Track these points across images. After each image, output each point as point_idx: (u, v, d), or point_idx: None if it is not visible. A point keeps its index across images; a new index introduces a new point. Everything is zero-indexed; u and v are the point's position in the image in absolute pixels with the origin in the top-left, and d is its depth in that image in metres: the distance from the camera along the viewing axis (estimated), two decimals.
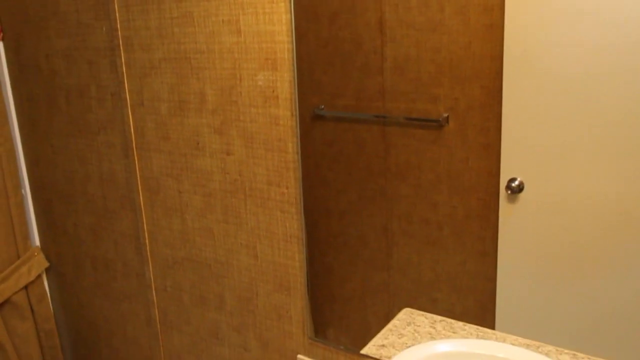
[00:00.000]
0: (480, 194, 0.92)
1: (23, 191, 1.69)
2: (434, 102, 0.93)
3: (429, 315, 1.00)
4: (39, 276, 1.68)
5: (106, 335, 1.65)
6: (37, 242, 1.72)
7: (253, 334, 1.27)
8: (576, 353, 0.88)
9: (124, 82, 1.37)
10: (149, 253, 1.43)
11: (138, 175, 1.42)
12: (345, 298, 1.10)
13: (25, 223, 1.63)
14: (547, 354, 0.88)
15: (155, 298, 1.46)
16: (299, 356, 1.19)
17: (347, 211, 1.07)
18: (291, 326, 1.20)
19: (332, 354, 1.15)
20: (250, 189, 1.22)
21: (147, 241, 1.44)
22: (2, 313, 1.59)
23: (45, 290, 1.71)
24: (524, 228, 0.89)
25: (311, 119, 1.07)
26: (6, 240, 1.57)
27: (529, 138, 0.86)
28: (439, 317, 1.00)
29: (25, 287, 1.64)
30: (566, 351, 0.89)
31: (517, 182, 0.88)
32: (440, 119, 0.92)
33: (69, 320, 1.75)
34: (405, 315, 1.02)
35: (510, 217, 0.90)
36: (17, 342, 1.64)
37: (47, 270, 1.74)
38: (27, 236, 1.64)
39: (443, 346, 0.94)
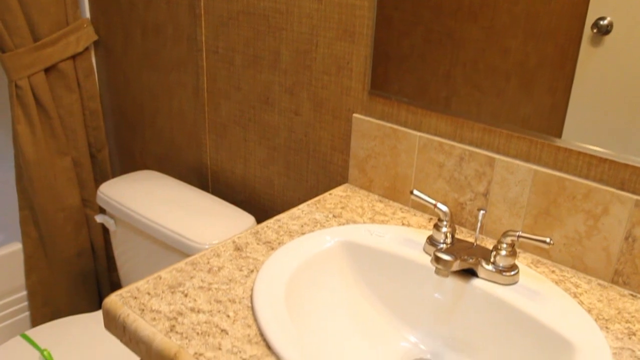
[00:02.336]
0: (559, 39, 0.88)
1: None
2: None
3: None
4: (88, 51, 1.73)
5: (151, 114, 1.68)
6: (88, 15, 1.75)
7: (307, 93, 1.26)
8: None
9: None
10: (202, 10, 1.40)
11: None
12: None
13: None
14: None
15: (205, 63, 1.45)
16: (355, 115, 1.17)
17: (409, 56, 1.06)
18: (350, 80, 1.17)
19: (392, 108, 1.12)
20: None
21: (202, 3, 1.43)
22: (49, 79, 1.68)
23: (92, 66, 1.77)
24: (603, 79, 0.84)
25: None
26: (56, 4, 1.61)
27: None
28: None
29: (73, 59, 1.71)
30: None
31: (606, 22, 0.82)
32: None
33: (115, 100, 1.80)
34: None
35: (590, 65, 0.85)
36: (62, 113, 1.72)
37: (96, 46, 1.78)
38: (77, 4, 1.67)
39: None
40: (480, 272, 0.90)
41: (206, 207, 1.38)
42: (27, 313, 1.91)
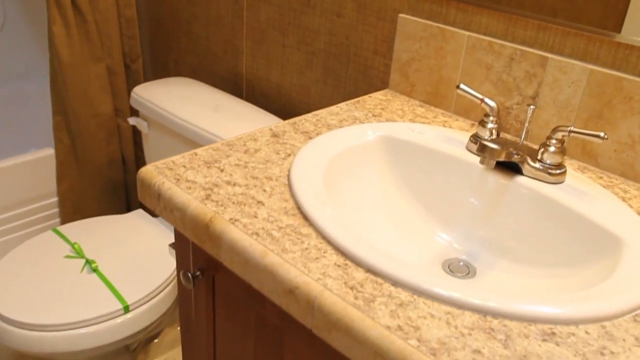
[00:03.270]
0: None
1: None
2: None
3: None
4: None
5: (188, 21, 1.65)
6: None
7: None
8: None
9: None
10: None
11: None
12: None
13: None
14: None
15: None
16: (401, 15, 1.12)
17: None
18: None
19: (441, 7, 1.07)
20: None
21: None
22: None
23: None
24: None
25: None
26: None
27: None
28: None
29: None
30: None
31: None
32: None
33: (150, 9, 1.77)
34: None
35: None
36: (98, 17, 1.69)
37: None
38: None
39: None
40: (525, 169, 0.87)
41: (240, 111, 1.36)
42: (57, 220, 1.93)
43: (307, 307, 0.62)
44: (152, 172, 0.81)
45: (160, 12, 1.72)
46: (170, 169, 0.82)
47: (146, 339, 1.56)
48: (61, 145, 1.78)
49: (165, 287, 1.30)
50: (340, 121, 1.02)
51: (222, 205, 0.75)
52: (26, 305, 1.20)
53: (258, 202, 0.76)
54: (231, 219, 0.72)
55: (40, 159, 1.81)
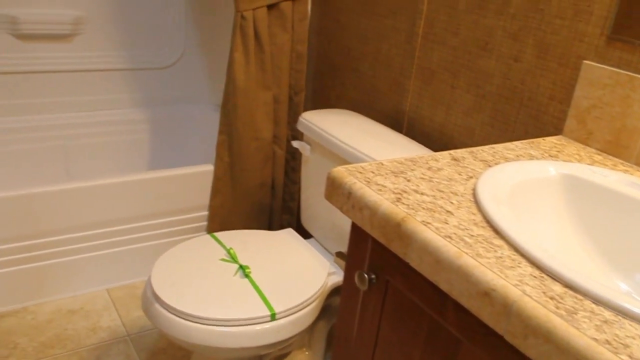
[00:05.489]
0: None
1: None
2: None
3: None
4: None
5: (357, 58, 1.73)
6: None
7: (533, 39, 1.21)
8: None
9: None
10: None
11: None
12: None
13: None
14: None
15: (425, 7, 1.45)
16: (586, 62, 1.11)
17: None
18: (587, 25, 1.12)
19: (633, 55, 1.04)
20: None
21: None
22: (270, 17, 1.79)
23: (307, 11, 1.85)
24: None
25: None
26: None
27: None
28: None
29: (293, 1, 1.80)
30: None
31: None
32: None
33: (321, 46, 1.88)
34: None
35: None
36: (274, 50, 1.83)
37: None
38: None
39: None
40: None
41: (402, 143, 1.40)
42: (204, 233, 2.06)
43: (503, 310, 0.62)
44: (344, 172, 0.86)
45: (330, 50, 1.83)
46: (360, 172, 0.86)
47: (275, 357, 1.60)
48: (221, 163, 1.91)
49: (311, 302, 1.34)
50: (517, 156, 1.02)
51: (412, 209, 0.77)
52: (184, 296, 1.28)
53: (447, 211, 0.78)
54: (423, 221, 0.74)
55: (199, 173, 1.95)
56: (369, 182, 0.83)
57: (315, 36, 1.90)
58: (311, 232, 1.64)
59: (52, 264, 1.81)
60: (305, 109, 2.00)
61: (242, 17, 1.74)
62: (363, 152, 1.34)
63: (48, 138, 2.20)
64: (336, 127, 1.47)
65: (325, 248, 1.58)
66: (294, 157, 2.02)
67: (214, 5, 2.36)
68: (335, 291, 1.50)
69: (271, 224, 2.07)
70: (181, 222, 1.99)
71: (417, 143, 1.43)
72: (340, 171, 0.86)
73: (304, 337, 1.64)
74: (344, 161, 1.42)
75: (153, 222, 1.93)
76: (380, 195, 0.80)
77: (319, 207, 1.58)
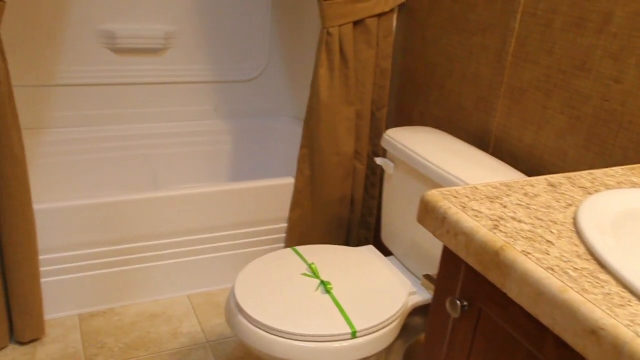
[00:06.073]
0: None
1: None
2: None
3: None
4: (392, 12, 1.83)
5: (442, 75, 1.71)
6: None
7: (636, 59, 1.16)
8: None
9: None
10: None
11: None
12: None
13: None
14: None
15: (517, 25, 1.42)
16: None
17: None
18: None
19: None
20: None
21: None
22: (355, 33, 1.80)
23: (392, 27, 1.86)
24: None
25: None
26: None
27: None
28: None
29: (379, 17, 1.81)
30: None
31: None
32: None
33: (405, 62, 1.87)
34: None
35: None
36: (358, 66, 1.84)
37: (400, 8, 1.86)
38: None
39: None
40: None
41: (490, 164, 1.37)
42: (282, 245, 2.08)
43: (612, 352, 0.59)
44: (438, 196, 0.85)
45: (415, 66, 1.82)
46: (455, 197, 0.85)
47: None
48: (301, 176, 1.93)
49: (392, 322, 1.32)
50: (619, 183, 0.97)
51: (511, 237, 0.75)
52: (267, 309, 1.29)
53: (547, 241, 0.75)
54: (523, 251, 0.72)
55: (280, 185, 1.98)
56: (464, 207, 0.82)
57: (399, 52, 1.89)
58: (391, 249, 1.63)
59: (137, 268, 1.88)
60: (388, 125, 1.99)
61: (329, 33, 1.76)
62: (450, 173, 1.31)
63: (137, 147, 2.30)
64: (421, 145, 1.45)
65: (405, 266, 1.57)
66: (374, 173, 2.01)
67: (299, 19, 2.40)
68: (415, 311, 1.48)
69: (349, 239, 2.07)
70: (260, 233, 2.03)
71: (505, 164, 1.39)
72: (434, 195, 0.85)
73: (381, 356, 1.62)
74: (429, 181, 1.40)
75: (233, 232, 1.98)
76: (477, 222, 0.78)
77: (400, 225, 1.56)
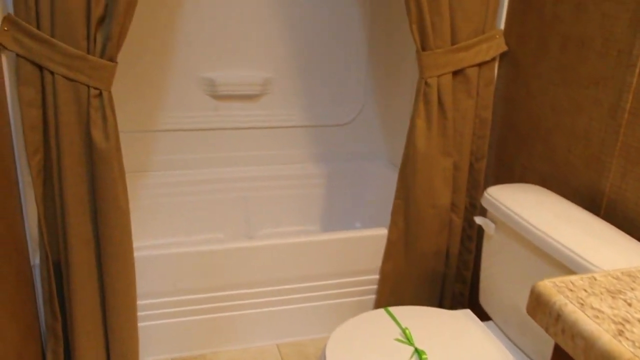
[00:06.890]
0: None
1: None
2: None
3: None
4: (493, 61, 1.77)
5: (547, 130, 1.61)
6: (502, 26, 1.78)
7: None
8: None
9: None
10: None
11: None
12: None
13: (497, 3, 1.72)
14: None
15: (635, 80, 1.31)
16: None
17: None
18: None
19: None
20: None
21: None
22: (454, 82, 1.74)
23: (493, 76, 1.79)
24: None
25: None
26: (479, 13, 1.68)
27: None
28: None
29: (479, 67, 1.75)
30: None
31: None
32: None
33: (507, 113, 1.79)
34: None
35: None
36: (457, 116, 1.78)
37: (501, 57, 1.79)
38: (496, 15, 1.73)
39: None
40: None
41: (606, 234, 1.26)
42: (372, 296, 2.03)
43: None
44: (552, 289, 0.77)
45: (517, 117, 1.73)
46: (571, 290, 0.77)
47: None
48: (395, 228, 1.88)
49: None
50: None
51: (639, 347, 0.66)
52: None
53: None
54: None
55: (373, 236, 1.94)
56: (582, 304, 0.74)
57: (500, 102, 1.81)
58: (490, 314, 1.54)
59: (229, 316, 1.89)
60: (487, 177, 1.91)
61: (427, 83, 1.71)
62: (560, 242, 1.22)
63: (232, 189, 2.34)
64: (526, 208, 1.36)
65: (504, 333, 1.47)
66: (470, 226, 1.93)
67: (395, 62, 2.38)
68: None
69: (443, 293, 1.98)
70: (351, 284, 1.98)
71: (624, 234, 1.27)
72: (547, 287, 0.78)
73: None
74: (536, 248, 1.31)
75: (325, 282, 1.95)
76: (597, 325, 0.70)
77: (501, 290, 1.47)
